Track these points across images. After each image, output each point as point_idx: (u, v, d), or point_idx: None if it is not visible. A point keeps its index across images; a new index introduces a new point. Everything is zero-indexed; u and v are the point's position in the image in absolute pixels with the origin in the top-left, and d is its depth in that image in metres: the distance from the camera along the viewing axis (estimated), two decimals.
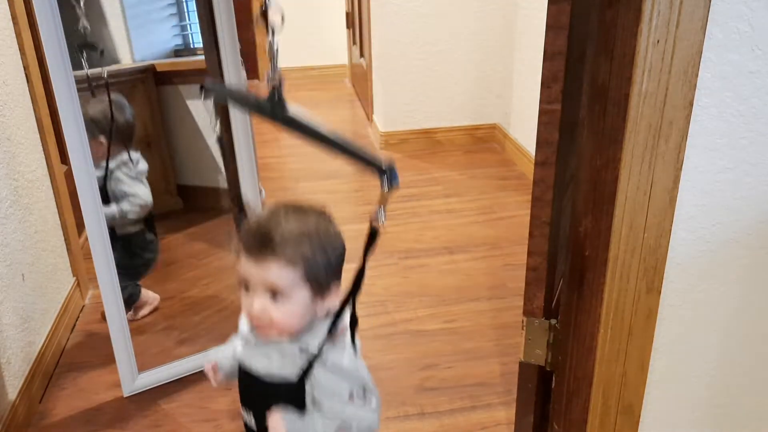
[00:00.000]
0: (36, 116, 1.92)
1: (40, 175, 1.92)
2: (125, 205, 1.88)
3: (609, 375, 1.00)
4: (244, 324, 1.06)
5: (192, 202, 2.45)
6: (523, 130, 3.25)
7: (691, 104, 0.82)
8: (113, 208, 1.86)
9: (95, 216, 1.56)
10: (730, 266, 0.94)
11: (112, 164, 1.86)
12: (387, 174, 0.88)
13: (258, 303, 0.96)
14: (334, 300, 1.01)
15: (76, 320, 2.05)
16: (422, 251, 2.43)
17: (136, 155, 1.92)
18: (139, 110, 2.00)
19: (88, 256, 1.70)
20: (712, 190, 0.89)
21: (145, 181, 1.94)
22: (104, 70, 1.88)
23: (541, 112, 0.91)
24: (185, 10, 2.57)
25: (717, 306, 0.97)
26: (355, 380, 1.01)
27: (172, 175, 2.48)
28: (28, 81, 1.89)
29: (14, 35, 1.83)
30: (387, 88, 3.46)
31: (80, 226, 1.99)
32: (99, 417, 1.65)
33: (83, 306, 2.13)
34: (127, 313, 1.98)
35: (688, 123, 0.83)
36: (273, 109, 0.99)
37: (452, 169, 3.25)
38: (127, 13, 2.31)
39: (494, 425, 1.58)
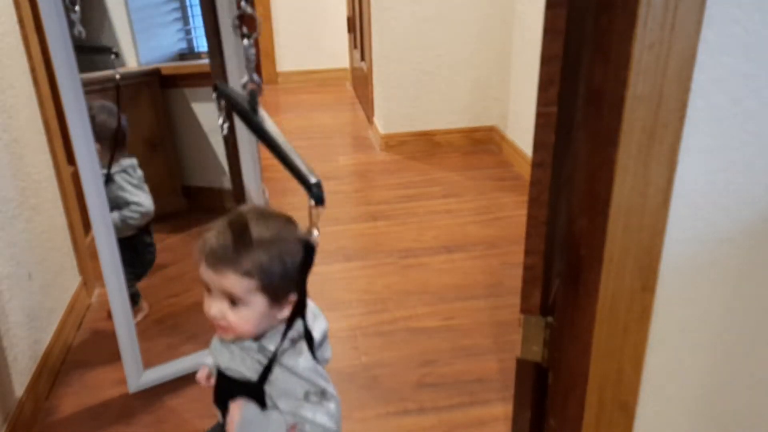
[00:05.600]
0: (43, 118, 1.94)
1: (47, 176, 1.93)
2: (126, 213, 1.88)
3: (604, 372, 1.00)
4: None
5: (197, 202, 2.46)
6: (520, 132, 3.26)
7: (685, 106, 0.82)
8: (114, 216, 1.85)
9: (102, 216, 1.58)
10: (724, 266, 0.94)
11: (112, 170, 1.86)
12: (314, 190, 0.89)
13: (216, 307, 0.99)
14: (288, 309, 1.02)
15: (83, 318, 2.06)
16: (421, 250, 2.45)
17: (131, 161, 1.91)
18: (144, 113, 2.01)
19: (94, 255, 1.72)
20: (706, 190, 0.89)
21: (146, 187, 1.95)
22: (117, 71, 1.89)
23: (538, 115, 0.92)
24: (190, 14, 2.59)
25: (710, 304, 0.97)
26: (311, 384, 1.02)
27: (177, 176, 2.50)
28: (35, 83, 1.90)
29: (21, 38, 1.85)
30: (387, 91, 3.48)
31: (87, 226, 2.00)
32: (105, 413, 1.67)
33: (89, 304, 2.15)
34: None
35: (682, 125, 0.83)
36: (249, 114, 1.00)
37: (451, 170, 3.27)
38: (132, 17, 2.32)
39: (492, 421, 1.60)
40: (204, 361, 1.19)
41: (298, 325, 1.01)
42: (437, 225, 2.66)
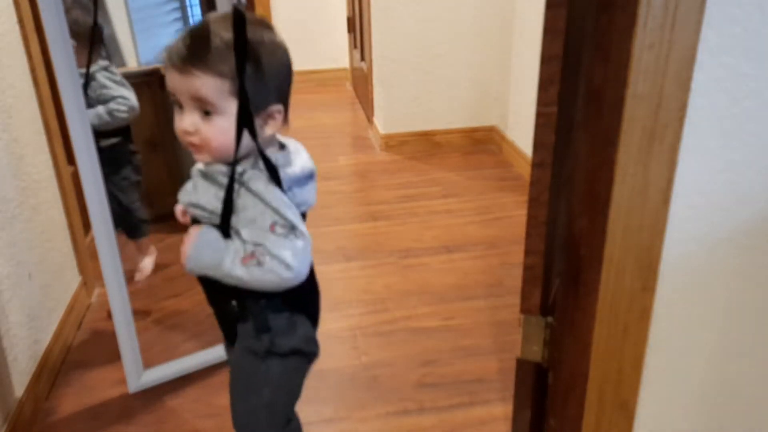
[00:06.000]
0: (43, 118, 1.94)
1: (47, 176, 1.93)
2: (113, 105, 1.81)
3: (604, 372, 1.00)
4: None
5: None
6: (520, 132, 3.27)
7: (685, 106, 0.82)
8: (100, 109, 1.80)
9: (101, 216, 1.58)
10: (724, 266, 0.95)
11: (92, 68, 1.80)
12: None
13: (188, 119, 0.92)
14: (274, 125, 0.95)
15: (83, 318, 2.07)
16: (421, 250, 2.45)
17: (107, 62, 1.86)
18: (144, 113, 2.00)
19: (94, 255, 1.72)
20: (706, 190, 0.89)
21: (128, 84, 1.87)
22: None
23: (538, 115, 0.92)
24: (190, 14, 2.59)
25: (710, 304, 0.97)
26: (279, 215, 0.94)
27: (177, 176, 2.49)
28: (35, 83, 1.90)
29: (21, 38, 1.85)
30: (387, 91, 3.48)
31: (87, 226, 2.00)
32: (105, 413, 1.67)
33: (89, 304, 2.15)
34: (140, 238, 2.01)
35: (682, 125, 0.83)
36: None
37: (451, 170, 3.27)
38: (132, 17, 2.32)
39: (492, 420, 1.60)
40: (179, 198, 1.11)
41: (274, 155, 0.94)
42: (437, 225, 2.67)
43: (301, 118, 4.29)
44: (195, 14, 2.56)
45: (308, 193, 1.03)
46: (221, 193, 0.95)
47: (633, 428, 1.05)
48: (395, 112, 3.52)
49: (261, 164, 0.95)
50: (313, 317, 1.16)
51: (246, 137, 0.92)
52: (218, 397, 1.70)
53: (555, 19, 0.87)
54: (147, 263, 2.08)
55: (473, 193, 2.97)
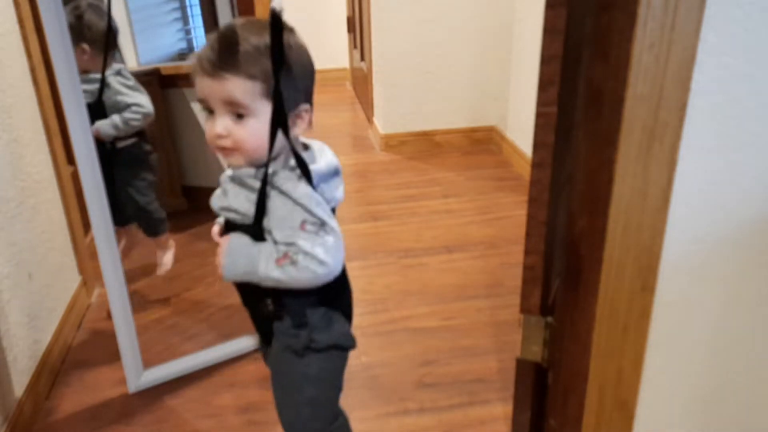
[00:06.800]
0: (42, 118, 1.94)
1: (46, 176, 1.94)
2: (128, 114, 1.83)
3: (604, 372, 1.00)
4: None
5: (196, 202, 2.47)
6: (520, 132, 3.27)
7: (685, 106, 0.82)
8: (115, 118, 1.82)
9: (101, 216, 1.58)
10: (724, 266, 0.95)
11: (106, 73, 1.81)
12: None
13: (220, 123, 0.92)
14: (302, 125, 0.97)
15: (83, 318, 2.07)
16: (421, 250, 2.45)
17: (121, 65, 1.87)
18: None
19: (94, 255, 1.72)
20: (706, 190, 0.89)
21: (142, 89, 1.89)
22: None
23: (538, 115, 0.92)
24: (190, 14, 2.59)
25: (710, 304, 0.97)
26: (308, 212, 0.96)
27: (177, 176, 2.50)
28: (34, 83, 1.91)
29: (21, 38, 1.85)
30: (387, 91, 3.48)
31: (86, 225, 2.00)
32: (104, 413, 1.67)
33: (89, 304, 2.15)
34: (159, 235, 2.02)
35: (682, 125, 0.83)
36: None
37: (451, 170, 3.27)
38: (132, 18, 2.33)
39: (492, 421, 1.60)
40: (217, 221, 1.14)
41: (296, 152, 0.95)
42: (437, 225, 2.67)
43: None
44: (195, 14, 2.56)
45: (336, 189, 1.05)
46: (252, 196, 0.97)
47: (633, 428, 1.05)
48: (395, 112, 3.52)
49: (291, 163, 0.96)
50: (347, 312, 1.17)
51: (277, 137, 0.93)
52: (218, 397, 1.70)
53: (555, 19, 0.87)
54: (168, 258, 2.08)
55: (473, 193, 2.97)
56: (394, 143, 3.57)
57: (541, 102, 0.91)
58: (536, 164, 0.96)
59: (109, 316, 1.78)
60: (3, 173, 1.63)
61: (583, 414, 1.04)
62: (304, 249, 0.95)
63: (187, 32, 2.63)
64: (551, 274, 1.11)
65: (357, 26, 4.46)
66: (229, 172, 1.04)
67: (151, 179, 2.01)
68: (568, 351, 1.03)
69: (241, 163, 0.98)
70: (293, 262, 0.96)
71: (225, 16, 1.62)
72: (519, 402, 1.22)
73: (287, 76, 0.91)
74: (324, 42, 5.06)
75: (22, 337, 1.64)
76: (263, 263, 0.97)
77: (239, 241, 0.99)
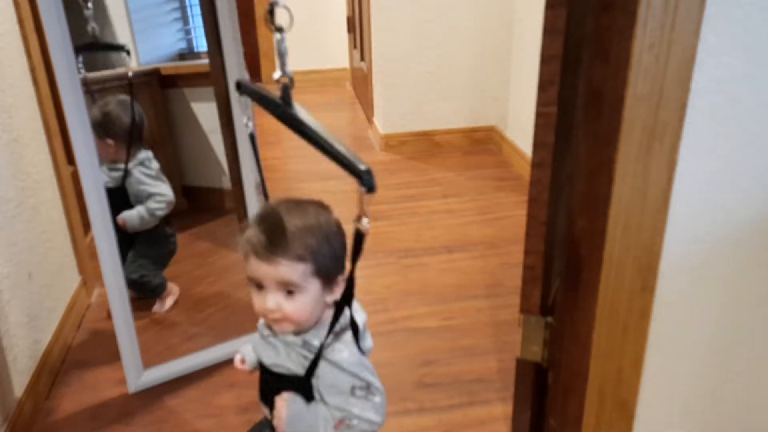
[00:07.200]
0: (42, 118, 1.94)
1: (46, 176, 1.94)
2: (152, 204, 1.90)
3: (604, 372, 1.00)
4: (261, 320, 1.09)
5: (197, 202, 2.47)
6: (520, 132, 3.27)
7: (685, 106, 0.82)
8: (141, 209, 1.89)
9: (101, 216, 1.58)
10: (724, 265, 0.94)
11: (130, 165, 1.88)
12: (365, 178, 0.90)
13: (272, 299, 0.98)
14: (338, 291, 1.03)
15: (82, 318, 2.07)
16: (421, 250, 2.45)
17: (147, 153, 1.93)
18: (144, 113, 2.01)
19: (94, 255, 1.72)
20: (706, 190, 0.89)
21: (164, 177, 1.95)
22: (130, 69, 1.91)
23: (538, 115, 0.92)
24: (189, 14, 2.59)
25: (710, 304, 0.97)
26: (357, 377, 1.02)
27: (177, 176, 2.50)
28: (34, 83, 1.91)
29: (21, 38, 1.85)
30: (387, 91, 3.48)
31: (86, 225, 2.00)
32: (104, 413, 1.67)
33: (89, 304, 2.15)
34: (158, 301, 2.05)
35: (682, 125, 0.83)
36: (283, 108, 1.00)
37: (451, 170, 3.27)
38: (132, 17, 2.32)
39: (492, 421, 1.60)
40: (240, 348, 1.18)
41: (342, 317, 1.01)
42: (437, 225, 2.67)
43: None
44: (195, 14, 2.56)
45: (368, 341, 1.11)
46: (303, 360, 1.03)
47: (633, 428, 1.05)
48: (395, 112, 3.52)
49: (338, 328, 1.02)
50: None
51: (322, 305, 1.02)
52: (218, 397, 1.70)
53: (555, 19, 0.87)
54: (168, 302, 2.10)
55: (473, 193, 2.97)
56: (394, 143, 3.57)
57: (541, 102, 0.91)
58: (536, 164, 0.96)
59: (109, 316, 1.78)
60: (3, 173, 1.63)
61: (583, 414, 1.04)
62: (359, 415, 1.02)
63: (187, 32, 2.63)
64: (551, 274, 1.11)
65: (357, 26, 4.46)
66: (263, 321, 1.09)
67: (162, 263, 2.07)
68: (568, 351, 1.03)
69: (290, 331, 1.03)
70: (349, 427, 1.02)
71: (225, 15, 1.62)
72: (519, 402, 1.22)
73: (332, 254, 0.99)
74: (324, 42, 5.06)
75: (22, 337, 1.64)
76: (322, 429, 1.02)
77: (298, 407, 1.03)
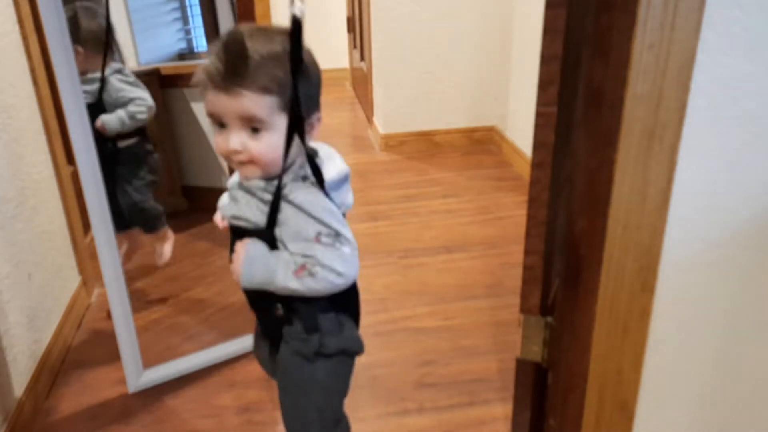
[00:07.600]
0: (42, 118, 1.94)
1: (46, 176, 1.94)
2: (132, 108, 1.83)
3: (604, 372, 1.00)
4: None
5: (196, 202, 2.47)
6: (520, 132, 3.27)
7: (685, 106, 0.82)
8: (120, 113, 1.82)
9: (101, 216, 1.58)
10: (724, 265, 0.94)
11: (106, 72, 1.81)
12: None
13: (235, 138, 0.90)
14: (315, 133, 0.95)
15: (82, 318, 2.07)
16: (421, 250, 2.46)
17: (119, 64, 1.88)
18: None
19: (94, 255, 1.72)
20: (706, 190, 0.89)
21: (142, 85, 1.89)
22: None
23: (538, 115, 0.92)
24: (189, 14, 2.59)
25: (711, 304, 0.97)
26: (322, 223, 0.95)
27: (177, 176, 2.50)
28: (34, 83, 1.91)
29: (21, 38, 1.85)
30: (387, 91, 3.48)
31: (86, 226, 2.00)
32: (104, 413, 1.67)
33: (89, 304, 2.15)
34: (157, 231, 2.02)
35: (682, 125, 0.83)
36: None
37: (451, 170, 3.27)
38: (132, 18, 2.33)
39: (492, 421, 1.60)
40: (219, 205, 1.12)
41: (307, 166, 0.94)
42: (437, 225, 2.67)
43: None
44: (195, 14, 2.56)
45: (345, 195, 1.05)
46: (264, 207, 0.96)
47: (633, 428, 1.05)
48: (395, 112, 3.52)
49: (302, 173, 0.95)
50: (355, 316, 1.19)
51: (290, 148, 0.92)
52: (218, 397, 1.70)
53: (555, 19, 0.87)
54: (167, 249, 2.08)
55: (473, 193, 2.97)
56: (393, 143, 3.57)
57: (541, 102, 0.91)
58: (536, 164, 0.96)
59: (109, 316, 1.78)
60: (3, 173, 1.63)
61: (583, 414, 1.04)
62: (322, 261, 0.95)
63: (187, 32, 2.63)
64: (551, 274, 1.11)
65: (357, 26, 4.46)
66: (236, 177, 1.03)
67: (150, 179, 2.01)
68: (568, 351, 1.03)
69: (257, 175, 0.96)
70: (311, 274, 0.95)
71: (225, 15, 1.62)
72: (519, 402, 1.22)
73: (303, 84, 0.89)
74: (324, 42, 5.06)
75: (21, 337, 1.64)
76: (281, 274, 0.96)
77: (256, 250, 0.97)
